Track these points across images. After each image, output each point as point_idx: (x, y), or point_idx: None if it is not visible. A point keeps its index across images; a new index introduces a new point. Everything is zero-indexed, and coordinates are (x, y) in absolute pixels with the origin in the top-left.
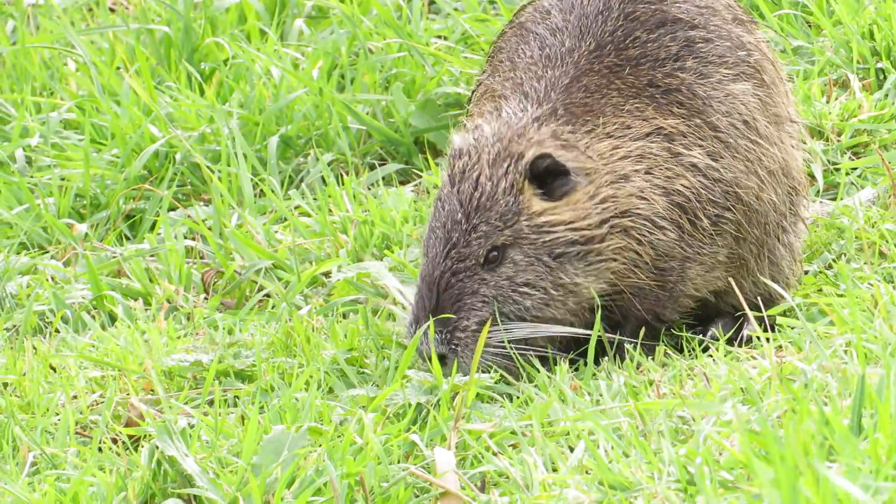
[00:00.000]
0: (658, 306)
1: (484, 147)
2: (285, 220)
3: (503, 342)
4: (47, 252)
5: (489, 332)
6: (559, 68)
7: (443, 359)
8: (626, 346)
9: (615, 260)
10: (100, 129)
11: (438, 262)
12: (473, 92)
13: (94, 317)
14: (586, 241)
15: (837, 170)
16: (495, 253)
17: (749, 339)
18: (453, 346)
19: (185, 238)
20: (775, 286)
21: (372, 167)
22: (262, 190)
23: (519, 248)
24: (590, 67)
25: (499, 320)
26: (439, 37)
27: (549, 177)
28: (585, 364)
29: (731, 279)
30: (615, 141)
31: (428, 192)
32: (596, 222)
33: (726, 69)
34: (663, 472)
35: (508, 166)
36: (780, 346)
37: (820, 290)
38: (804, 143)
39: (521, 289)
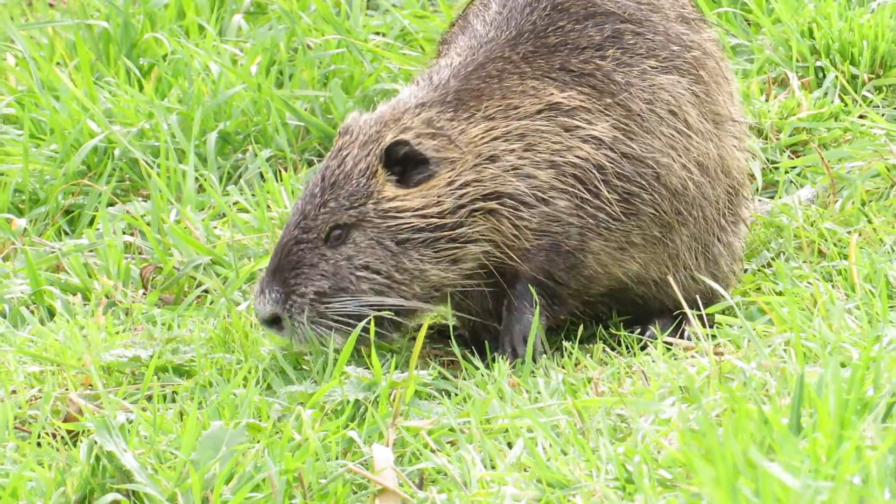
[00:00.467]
0: (551, 265)
1: (363, 128)
2: (224, 215)
3: (340, 315)
4: None
5: (329, 301)
6: (469, 56)
7: (276, 320)
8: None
9: (475, 242)
10: (39, 124)
11: (289, 231)
12: None
13: (32, 312)
14: (434, 228)
15: (777, 168)
16: (338, 231)
17: (688, 338)
18: (287, 308)
19: (124, 234)
20: (713, 284)
21: (310, 163)
22: (200, 185)
23: (362, 231)
24: (500, 54)
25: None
26: (377, 33)
27: (408, 164)
28: (523, 361)
29: (669, 277)
30: (493, 123)
31: None
32: (449, 208)
33: (655, 61)
34: (602, 469)
35: (371, 149)
36: (719, 345)
37: (759, 288)
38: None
39: (358, 271)
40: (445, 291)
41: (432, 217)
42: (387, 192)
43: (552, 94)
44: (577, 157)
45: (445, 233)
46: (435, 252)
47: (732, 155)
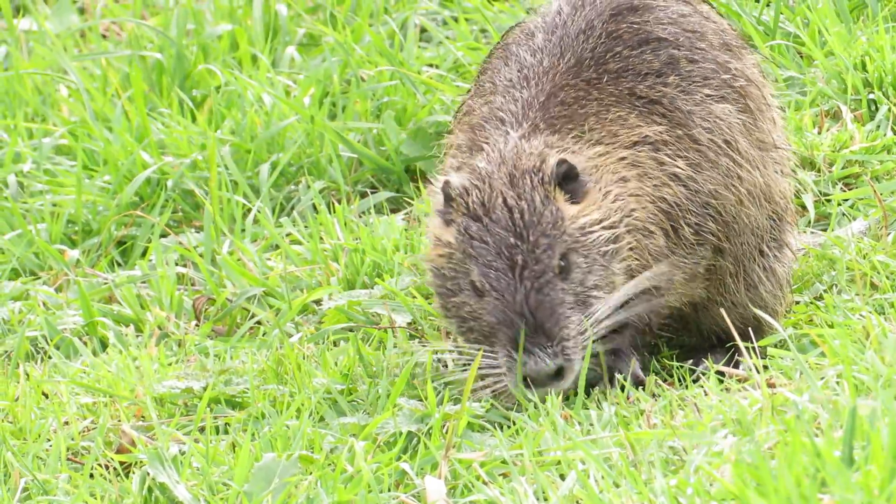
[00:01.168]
0: (650, 312)
1: (488, 177)
2: (277, 247)
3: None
4: (39, 278)
5: (586, 332)
6: (535, 87)
7: (560, 372)
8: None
9: (628, 259)
10: (92, 155)
11: (515, 288)
12: (457, 111)
13: (85, 343)
14: (616, 238)
15: (829, 201)
16: (563, 262)
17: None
18: (567, 356)
19: (177, 265)
20: (763, 315)
21: (363, 195)
22: (253, 217)
23: (577, 252)
24: (566, 82)
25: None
26: (431, 65)
27: (565, 181)
28: (576, 393)
29: (720, 308)
30: (605, 147)
31: (419, 221)
32: (618, 219)
33: (709, 90)
34: (654, 502)
35: (531, 179)
36: (772, 377)
37: (811, 320)
38: (794, 171)
39: (592, 292)
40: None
41: (612, 227)
42: (571, 211)
43: (639, 125)
44: (668, 193)
45: (622, 243)
46: (620, 262)
47: (775, 181)
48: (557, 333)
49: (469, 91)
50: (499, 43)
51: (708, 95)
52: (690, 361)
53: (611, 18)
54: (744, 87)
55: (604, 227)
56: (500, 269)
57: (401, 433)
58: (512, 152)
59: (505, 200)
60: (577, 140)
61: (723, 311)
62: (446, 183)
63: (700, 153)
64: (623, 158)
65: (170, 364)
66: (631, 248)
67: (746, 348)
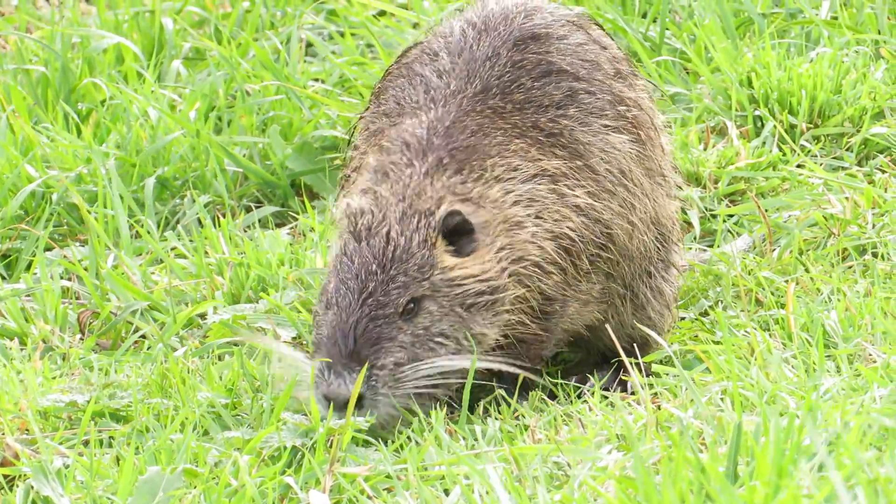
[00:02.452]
0: (542, 349)
1: (386, 205)
2: (161, 261)
3: (419, 379)
4: None
5: (404, 371)
6: (442, 110)
7: (360, 399)
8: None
9: (511, 309)
10: None
11: (354, 310)
12: (354, 129)
13: None
14: (492, 290)
15: (714, 216)
16: (412, 304)
17: (625, 386)
18: (372, 384)
19: (62, 278)
20: (650, 332)
21: (248, 209)
22: (137, 231)
23: (433, 300)
24: (472, 108)
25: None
26: (316, 80)
27: (456, 233)
28: (460, 408)
29: (606, 325)
30: (505, 185)
31: (304, 235)
32: (498, 271)
33: (606, 120)
34: None
35: (419, 222)
36: (656, 394)
37: (696, 336)
38: (681, 189)
39: (436, 338)
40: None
41: (490, 280)
42: (447, 262)
43: (540, 158)
44: (568, 228)
45: (499, 295)
46: (493, 315)
47: (662, 204)
48: (372, 363)
49: (367, 108)
50: (397, 61)
51: (605, 126)
52: (576, 378)
53: (514, 47)
54: (636, 117)
55: (478, 281)
56: (350, 290)
57: (285, 447)
58: (414, 190)
59: (388, 232)
60: (478, 180)
61: (609, 329)
62: (347, 205)
63: (598, 183)
64: (522, 196)
65: (54, 378)
66: (517, 297)
67: (632, 364)
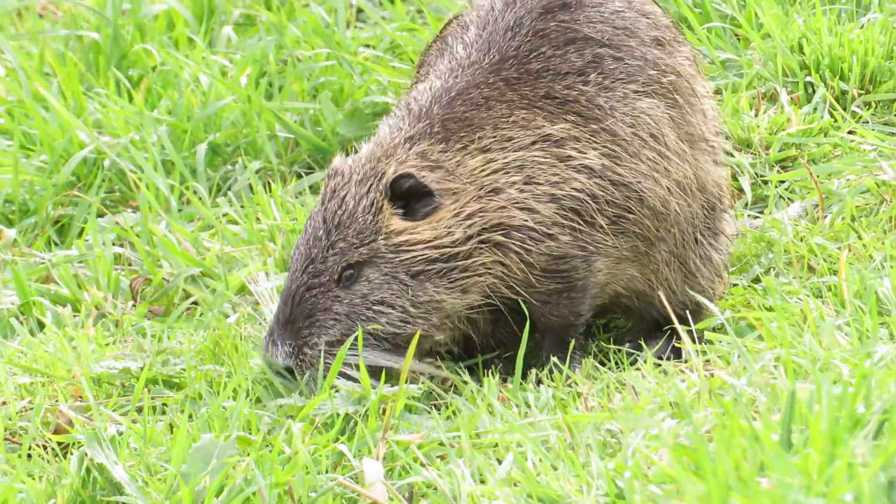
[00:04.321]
0: (574, 305)
1: (355, 167)
2: (213, 227)
3: (354, 362)
4: None
5: (336, 352)
6: (452, 80)
7: (290, 372)
8: (550, 356)
9: (484, 274)
10: (28, 135)
11: (296, 277)
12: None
13: (22, 323)
14: (448, 258)
15: (766, 183)
16: (350, 271)
17: (678, 353)
18: (299, 363)
19: (114, 245)
20: (703, 300)
21: (299, 175)
22: (188, 198)
23: (375, 267)
24: (484, 80)
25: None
26: (367, 46)
27: (411, 197)
28: (513, 375)
29: (658, 292)
30: (490, 154)
31: None
32: (460, 238)
33: (635, 86)
34: (592, 485)
35: (371, 185)
36: (709, 361)
37: (748, 303)
38: (731, 155)
39: (375, 307)
40: (453, 321)
41: (444, 247)
42: (395, 226)
43: (543, 125)
44: (574, 188)
45: (458, 262)
46: (449, 282)
47: (707, 171)
48: (302, 338)
49: (412, 84)
50: (438, 34)
51: (633, 91)
52: (628, 345)
53: (540, 16)
54: (673, 83)
55: (429, 247)
56: (299, 255)
57: (338, 415)
58: (378, 152)
59: (345, 195)
60: (461, 150)
61: (661, 295)
62: (334, 159)
63: (620, 146)
64: (509, 164)
65: (107, 344)
66: (488, 264)
67: (684, 332)
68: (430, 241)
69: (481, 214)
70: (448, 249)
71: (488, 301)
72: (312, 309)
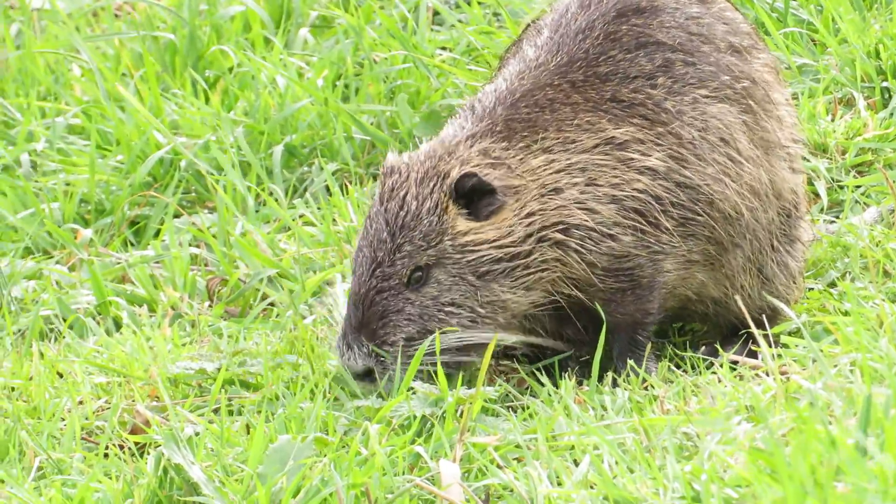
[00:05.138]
0: (641, 303)
1: (414, 165)
2: (289, 229)
3: (435, 355)
4: (52, 257)
5: (418, 346)
6: (518, 82)
7: (370, 373)
8: (624, 358)
9: (546, 271)
10: (105, 135)
11: (364, 280)
12: None
13: (98, 323)
14: (511, 257)
15: (841, 187)
16: (419, 273)
17: (754, 358)
18: (381, 360)
19: (190, 245)
20: (777, 302)
21: (375, 177)
22: (265, 199)
23: (443, 268)
24: (550, 82)
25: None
26: (444, 48)
27: (475, 196)
28: (589, 377)
29: (736, 297)
30: (552, 155)
31: None
32: (521, 237)
33: (706, 91)
34: (668, 488)
35: (434, 185)
36: (785, 365)
37: (824, 307)
38: (806, 160)
39: (446, 308)
40: (519, 319)
41: (507, 247)
42: (460, 227)
43: (606, 128)
44: (636, 189)
45: (521, 261)
46: (513, 281)
47: (783, 178)
48: (379, 338)
49: None
50: (516, 39)
51: (703, 96)
52: (703, 349)
53: (614, 20)
54: (747, 89)
55: (493, 247)
56: (364, 258)
57: (415, 417)
58: (439, 150)
59: (405, 195)
60: (524, 149)
61: (738, 300)
62: (385, 160)
63: (686, 149)
64: (572, 165)
65: (183, 345)
66: (549, 262)
67: (761, 336)
68: (494, 241)
69: (541, 213)
70: (511, 249)
71: (553, 300)
72: (385, 311)
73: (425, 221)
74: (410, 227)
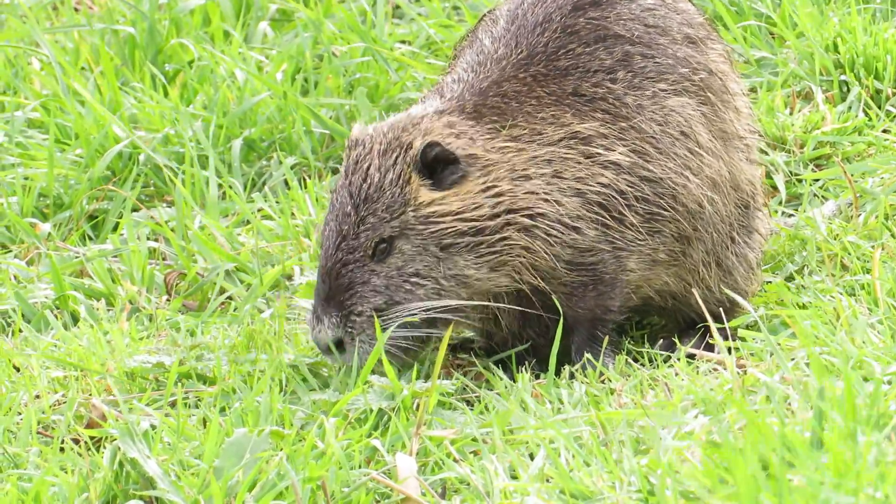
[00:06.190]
0: (602, 299)
1: (377, 137)
2: (248, 222)
3: (403, 325)
4: (10, 251)
5: (387, 316)
6: (483, 73)
7: (340, 344)
8: (581, 352)
9: (511, 255)
10: (64, 129)
11: (331, 254)
12: None
13: (56, 316)
14: (475, 232)
15: (800, 181)
16: (384, 245)
17: (711, 351)
18: (349, 330)
19: (148, 239)
20: (736, 297)
21: (335, 171)
22: (224, 192)
23: (406, 239)
24: (513, 74)
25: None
26: (403, 42)
27: (438, 166)
28: (546, 371)
29: (694, 290)
30: (521, 144)
31: None
32: (488, 214)
33: (665, 84)
34: (625, 481)
35: (397, 156)
36: (742, 358)
37: (781, 301)
38: (765, 153)
39: (411, 279)
40: (482, 307)
41: (472, 221)
42: (423, 198)
43: (571, 122)
44: (600, 184)
45: (486, 237)
46: (477, 257)
47: (741, 169)
48: (347, 308)
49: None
50: (471, 29)
51: (662, 90)
52: (661, 342)
53: (571, 13)
54: (704, 80)
55: (458, 219)
56: (330, 231)
57: (371, 410)
58: (403, 122)
59: (368, 167)
60: (491, 131)
61: (696, 294)
62: (352, 128)
63: (648, 143)
64: (538, 156)
65: (141, 339)
66: (516, 248)
67: (717, 330)
68: (457, 213)
69: (511, 195)
70: (476, 223)
71: (518, 288)
72: (351, 283)
73: (388, 193)
74: (374, 199)
